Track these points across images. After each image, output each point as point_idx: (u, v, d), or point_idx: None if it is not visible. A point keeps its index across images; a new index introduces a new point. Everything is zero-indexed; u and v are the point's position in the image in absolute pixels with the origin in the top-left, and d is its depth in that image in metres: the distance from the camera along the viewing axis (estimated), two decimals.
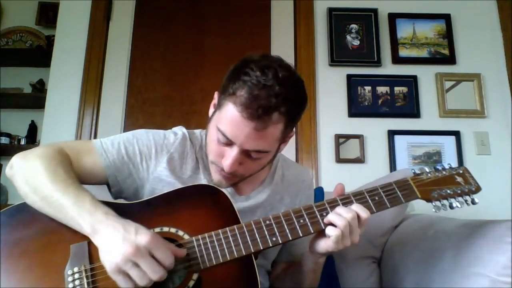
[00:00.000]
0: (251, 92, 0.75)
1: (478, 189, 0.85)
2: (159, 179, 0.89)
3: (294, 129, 0.88)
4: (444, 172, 0.87)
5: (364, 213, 0.76)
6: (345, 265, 1.35)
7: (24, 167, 0.78)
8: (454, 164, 1.94)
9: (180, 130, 0.97)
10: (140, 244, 0.64)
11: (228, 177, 0.85)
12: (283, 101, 0.76)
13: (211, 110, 0.90)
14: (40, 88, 2.48)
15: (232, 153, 0.80)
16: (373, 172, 1.90)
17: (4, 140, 2.42)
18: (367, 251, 1.37)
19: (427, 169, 0.88)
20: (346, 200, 0.80)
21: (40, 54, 2.49)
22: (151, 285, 0.64)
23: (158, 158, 0.90)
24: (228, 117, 0.78)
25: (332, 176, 1.96)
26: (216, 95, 0.89)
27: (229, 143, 0.80)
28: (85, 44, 2.11)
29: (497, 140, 2.01)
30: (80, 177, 0.81)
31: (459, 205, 0.82)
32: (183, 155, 0.93)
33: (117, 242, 0.64)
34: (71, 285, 0.66)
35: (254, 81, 0.75)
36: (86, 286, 0.67)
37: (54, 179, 0.73)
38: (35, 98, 2.45)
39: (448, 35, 2.14)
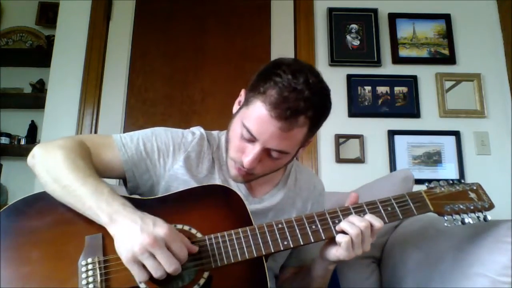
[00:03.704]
0: (281, 93, 0.77)
1: (491, 206, 0.85)
2: (175, 177, 0.90)
3: (314, 136, 0.89)
4: (457, 187, 0.87)
5: (377, 222, 0.77)
6: (345, 265, 1.35)
7: (45, 157, 0.79)
8: (454, 164, 1.96)
9: (198, 130, 0.99)
10: (158, 235, 0.64)
11: (244, 174, 0.87)
12: (311, 106, 0.78)
13: (236, 107, 0.91)
14: (40, 88, 2.47)
15: (254, 150, 0.81)
16: (373, 172, 1.91)
17: (4, 140, 2.41)
18: (367, 251, 1.36)
19: (440, 183, 0.87)
20: (359, 209, 0.80)
21: (40, 54, 2.48)
22: (162, 279, 0.65)
23: (175, 156, 0.91)
24: (255, 114, 0.79)
25: (332, 176, 1.96)
26: (242, 92, 0.90)
27: (252, 139, 0.81)
28: (85, 44, 2.11)
29: (497, 140, 2.01)
30: (98, 170, 0.82)
31: (471, 221, 0.82)
32: (200, 155, 0.94)
33: (135, 232, 0.64)
34: (84, 275, 0.67)
35: (285, 83, 0.77)
36: (99, 277, 0.67)
37: (74, 169, 0.74)
38: (35, 98, 2.45)
39: (448, 35, 2.15)
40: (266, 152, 0.82)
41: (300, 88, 0.77)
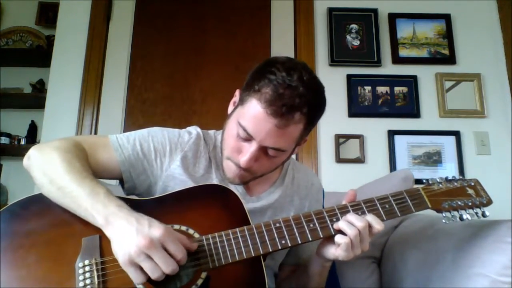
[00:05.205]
0: (276, 91, 0.77)
1: (489, 202, 0.85)
2: (172, 176, 0.90)
3: (309, 134, 0.89)
4: (455, 183, 0.87)
5: (378, 225, 0.76)
6: (345, 265, 1.35)
7: (41, 158, 0.79)
8: (454, 164, 1.96)
9: (194, 129, 0.99)
10: (153, 236, 0.64)
11: (241, 174, 0.86)
12: (306, 102, 0.78)
13: (231, 107, 0.92)
14: (40, 88, 2.47)
15: (250, 149, 0.81)
16: (373, 172, 1.91)
17: (4, 140, 2.41)
18: (367, 251, 1.36)
19: (438, 180, 0.87)
20: (356, 207, 0.80)
21: (40, 54, 2.48)
22: (161, 280, 0.64)
23: (172, 156, 0.91)
24: (251, 113, 0.80)
25: (332, 176, 1.96)
26: (237, 92, 0.90)
27: (249, 138, 0.81)
28: (85, 44, 2.11)
29: (497, 140, 2.01)
30: (95, 171, 0.82)
31: (469, 217, 0.82)
32: (197, 154, 0.94)
33: (130, 234, 0.64)
34: (81, 277, 0.67)
35: (280, 81, 0.77)
36: (96, 279, 0.67)
37: (70, 170, 0.74)
38: (35, 98, 2.44)
39: (448, 35, 2.15)
40: (262, 150, 0.82)
41: (295, 85, 0.77)
